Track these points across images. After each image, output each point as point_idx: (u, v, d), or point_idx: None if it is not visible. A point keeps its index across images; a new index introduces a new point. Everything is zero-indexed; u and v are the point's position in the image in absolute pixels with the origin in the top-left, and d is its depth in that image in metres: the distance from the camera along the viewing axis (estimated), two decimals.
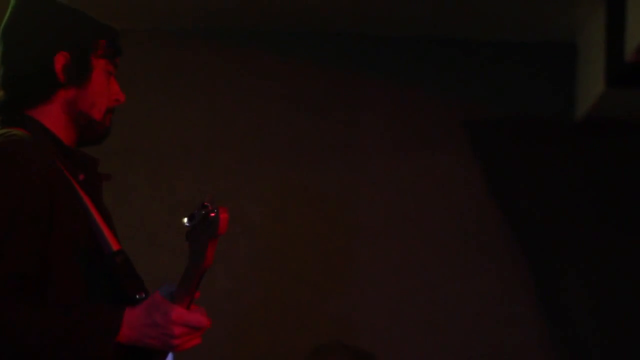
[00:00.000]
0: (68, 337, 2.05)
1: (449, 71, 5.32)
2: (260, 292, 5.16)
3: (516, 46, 5.30)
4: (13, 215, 2.09)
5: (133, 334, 2.09)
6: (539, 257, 5.23)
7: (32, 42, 2.29)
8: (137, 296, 2.18)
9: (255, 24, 5.23)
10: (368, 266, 5.22)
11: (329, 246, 5.22)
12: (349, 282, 5.22)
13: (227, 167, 5.26)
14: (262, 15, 5.13)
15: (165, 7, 5.05)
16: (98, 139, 2.37)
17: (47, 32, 2.29)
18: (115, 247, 2.22)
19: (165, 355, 2.20)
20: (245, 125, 5.29)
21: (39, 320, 2.05)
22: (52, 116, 2.29)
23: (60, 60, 2.28)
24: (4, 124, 2.26)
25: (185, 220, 2.09)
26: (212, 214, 2.03)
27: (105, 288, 2.20)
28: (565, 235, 5.22)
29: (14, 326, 2.04)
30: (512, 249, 5.22)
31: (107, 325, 2.08)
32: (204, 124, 5.29)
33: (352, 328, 5.05)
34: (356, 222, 5.25)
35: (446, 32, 5.26)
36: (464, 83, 5.31)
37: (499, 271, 5.21)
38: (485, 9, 4.95)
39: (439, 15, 5.06)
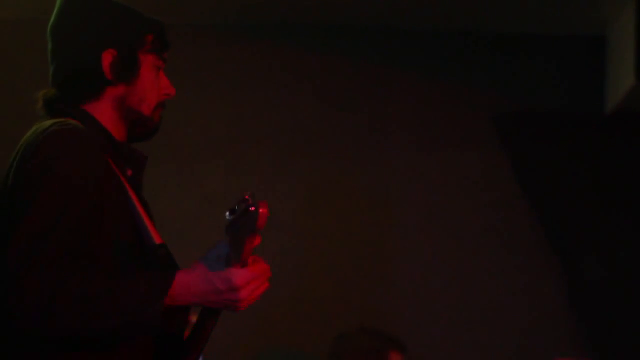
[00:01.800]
0: (119, 298, 2.02)
1: (477, 65, 5.30)
2: (290, 287, 5.16)
3: (546, 40, 5.27)
4: (70, 197, 2.06)
5: (192, 299, 2.08)
6: (568, 252, 5.20)
7: (79, 40, 2.29)
8: None
9: (284, 18, 5.24)
10: (398, 261, 5.21)
11: (359, 241, 5.22)
12: (379, 278, 5.22)
13: (257, 162, 5.27)
14: (290, 10, 5.13)
15: (194, 2, 5.07)
16: (147, 134, 2.38)
17: (94, 30, 2.29)
18: (157, 241, 2.23)
19: (219, 313, 2.16)
20: (275, 121, 5.29)
21: (95, 283, 2.02)
22: (103, 112, 2.29)
23: (107, 58, 2.27)
24: (58, 116, 2.24)
25: (227, 213, 2.04)
26: (252, 208, 1.98)
27: None
28: (595, 230, 5.19)
29: (76, 291, 2.00)
30: (542, 244, 5.20)
31: (157, 285, 2.05)
32: (233, 119, 5.29)
33: (381, 323, 5.04)
34: (386, 218, 5.24)
35: (475, 25, 5.24)
36: (493, 77, 5.29)
37: (529, 267, 5.19)
38: (514, 2, 4.93)
39: (467, 8, 5.04)
